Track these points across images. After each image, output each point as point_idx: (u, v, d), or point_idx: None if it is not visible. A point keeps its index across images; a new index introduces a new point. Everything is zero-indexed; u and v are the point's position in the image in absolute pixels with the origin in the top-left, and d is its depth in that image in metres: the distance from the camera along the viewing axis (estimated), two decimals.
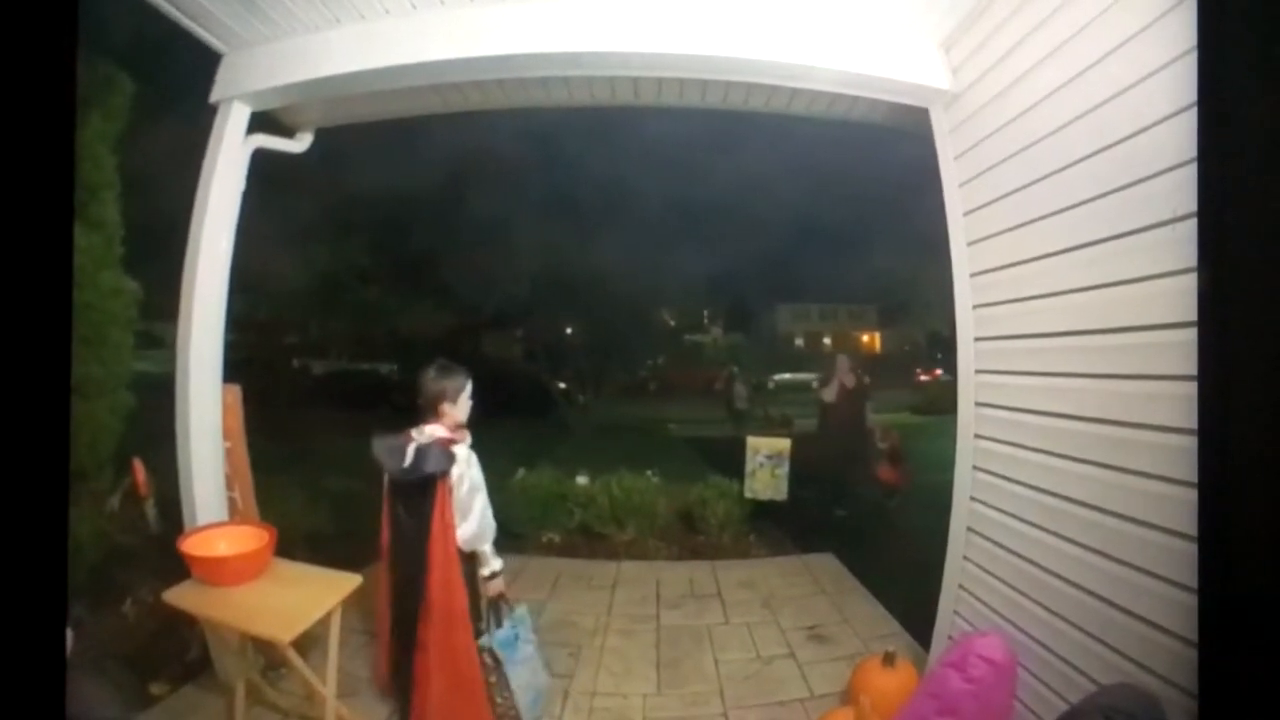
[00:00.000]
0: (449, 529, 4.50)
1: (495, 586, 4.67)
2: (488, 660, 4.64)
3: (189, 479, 5.11)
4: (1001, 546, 4.56)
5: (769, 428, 9.46)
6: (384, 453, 4.60)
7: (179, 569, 4.44)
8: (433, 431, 4.65)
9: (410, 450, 4.53)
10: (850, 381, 10.25)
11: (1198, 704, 3.28)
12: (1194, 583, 3.27)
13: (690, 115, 6.02)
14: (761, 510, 7.77)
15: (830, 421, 10.32)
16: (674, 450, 9.01)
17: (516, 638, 4.77)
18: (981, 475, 4.81)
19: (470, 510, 4.56)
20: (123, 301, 5.43)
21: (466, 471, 4.57)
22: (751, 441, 7.82)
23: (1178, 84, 3.29)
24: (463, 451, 4.59)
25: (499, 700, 4.65)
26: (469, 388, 4.84)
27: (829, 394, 10.37)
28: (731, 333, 10.24)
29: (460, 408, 4.78)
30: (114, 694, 4.56)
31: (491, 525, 4.64)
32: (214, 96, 5.33)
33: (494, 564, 4.64)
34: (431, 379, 4.75)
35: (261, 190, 5.46)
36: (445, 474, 4.51)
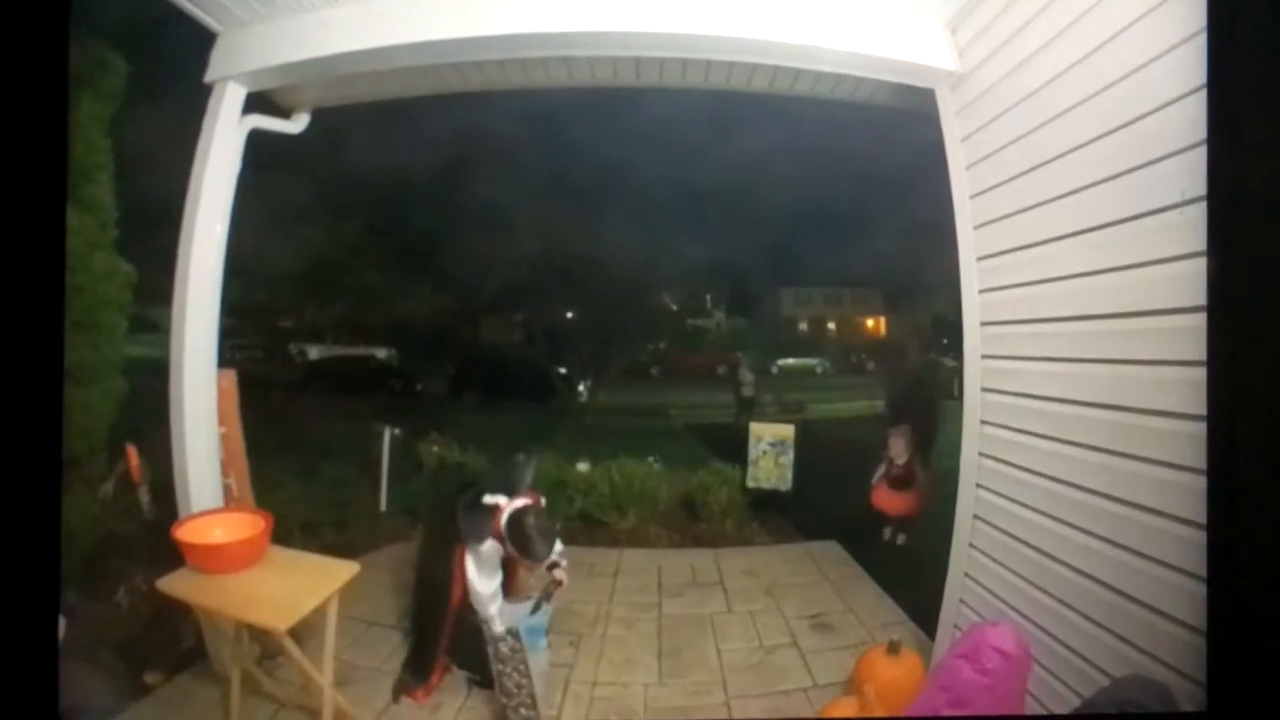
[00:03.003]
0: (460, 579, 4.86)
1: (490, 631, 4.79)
2: (504, 649, 4.64)
3: (183, 465, 5.08)
4: (1007, 534, 4.54)
5: (783, 413, 9.19)
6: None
7: (173, 556, 4.41)
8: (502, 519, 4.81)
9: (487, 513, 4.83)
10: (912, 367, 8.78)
11: (1206, 692, 3.26)
12: (1202, 570, 3.26)
13: (692, 96, 5.98)
14: (764, 497, 7.73)
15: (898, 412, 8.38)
16: (676, 436, 8.96)
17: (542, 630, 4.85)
18: (987, 462, 4.78)
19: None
20: (116, 284, 5.40)
21: (471, 566, 4.81)
22: (754, 428, 7.77)
23: (1187, 65, 3.27)
24: (479, 554, 4.80)
25: (514, 687, 4.64)
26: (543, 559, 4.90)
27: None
28: (734, 317, 10.16)
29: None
30: (107, 683, 4.55)
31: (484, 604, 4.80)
32: (209, 77, 5.29)
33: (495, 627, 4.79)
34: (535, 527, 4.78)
35: (257, 172, 5.42)
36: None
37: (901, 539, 7.30)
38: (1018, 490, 4.47)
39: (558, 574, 4.88)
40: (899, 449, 7.39)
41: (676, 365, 10.03)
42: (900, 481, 7.44)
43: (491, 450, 5.75)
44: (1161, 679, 3.36)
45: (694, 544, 7.38)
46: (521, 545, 4.65)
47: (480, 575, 4.77)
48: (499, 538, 4.72)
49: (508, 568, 4.88)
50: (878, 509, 7.42)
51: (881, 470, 7.49)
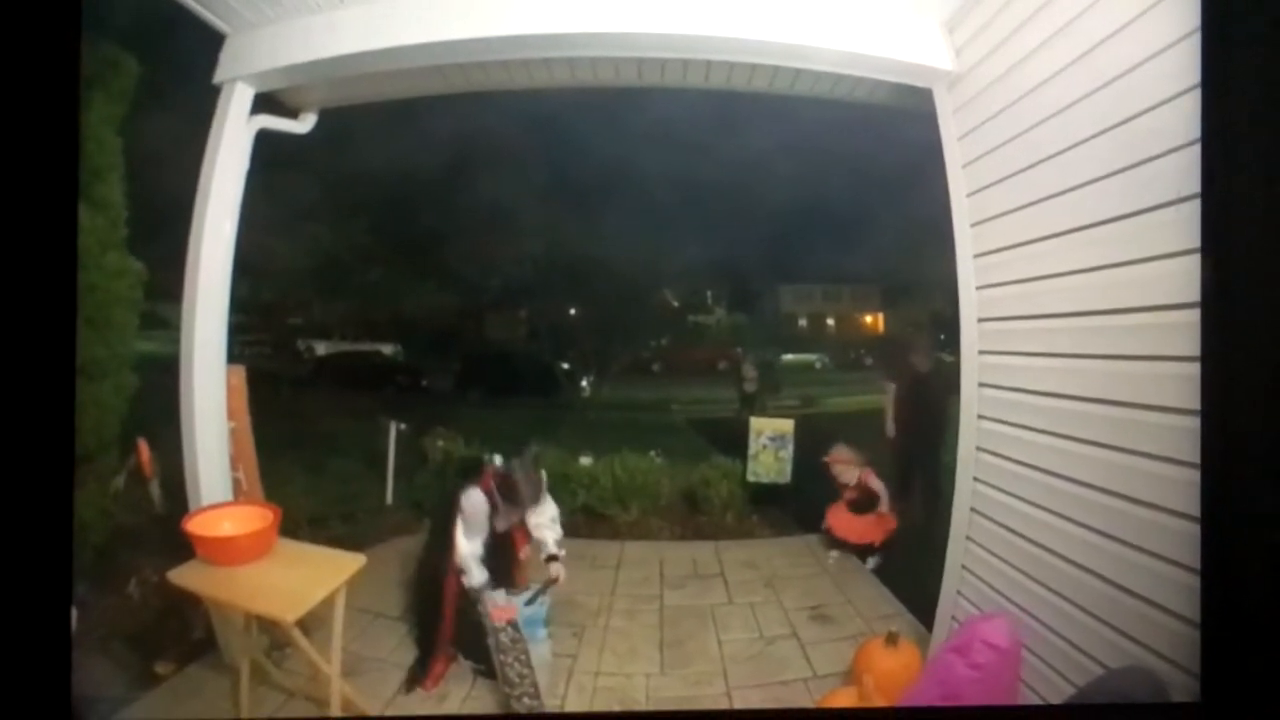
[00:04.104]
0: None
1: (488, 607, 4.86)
2: (505, 639, 4.69)
3: (193, 459, 5.14)
4: (1004, 527, 4.57)
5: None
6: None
7: (184, 549, 4.49)
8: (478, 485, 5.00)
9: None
10: (925, 364, 7.39)
11: (1199, 683, 3.30)
12: (1197, 563, 3.28)
13: (693, 96, 6.01)
14: (764, 491, 7.72)
15: (901, 411, 7.40)
16: (677, 431, 8.96)
17: (540, 621, 4.89)
18: (985, 456, 4.81)
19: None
20: (127, 282, 5.42)
21: (460, 528, 4.97)
22: (755, 422, 7.74)
23: (1182, 65, 3.31)
24: (467, 499, 4.96)
25: (516, 677, 4.68)
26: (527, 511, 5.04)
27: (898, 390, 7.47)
28: (735, 313, 10.12)
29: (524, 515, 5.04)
30: (119, 673, 4.59)
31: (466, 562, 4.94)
32: (217, 77, 5.34)
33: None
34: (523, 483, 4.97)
35: (265, 171, 5.46)
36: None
37: (872, 563, 6.71)
38: (1015, 484, 4.50)
39: (554, 568, 4.94)
40: (844, 474, 6.88)
41: (678, 361, 10.00)
42: (859, 505, 6.85)
43: (496, 445, 5.76)
44: (1156, 670, 3.40)
45: (695, 537, 7.39)
46: (507, 492, 4.75)
47: (465, 535, 4.91)
48: (487, 491, 4.88)
49: (507, 550, 4.94)
50: (834, 535, 6.91)
51: (844, 488, 6.93)
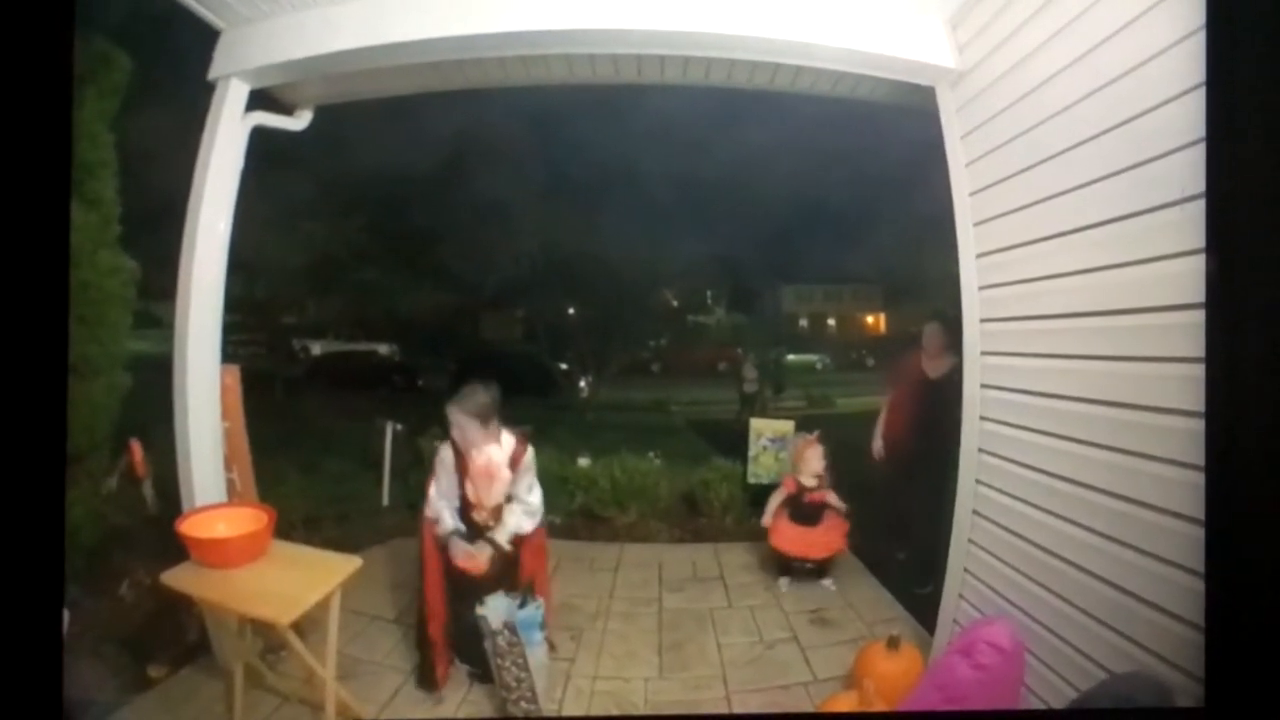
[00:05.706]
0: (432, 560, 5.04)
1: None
2: (501, 642, 4.65)
3: (187, 460, 5.10)
4: (1007, 530, 4.54)
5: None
6: None
7: (177, 551, 4.45)
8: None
9: None
10: (937, 369, 6.43)
11: (1204, 688, 3.27)
12: (1201, 567, 3.25)
13: (693, 93, 5.98)
14: (765, 492, 7.69)
15: (895, 427, 6.77)
16: (677, 432, 8.95)
17: (536, 625, 4.82)
18: (987, 458, 4.78)
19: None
20: (120, 280, 5.40)
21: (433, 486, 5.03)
22: (755, 424, 7.71)
23: (1187, 63, 3.28)
24: (438, 454, 5.04)
25: (513, 681, 4.65)
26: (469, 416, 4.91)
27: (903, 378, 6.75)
28: (735, 313, 10.10)
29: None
30: (111, 676, 4.56)
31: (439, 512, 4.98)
32: (212, 74, 5.30)
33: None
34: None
35: (260, 168, 5.44)
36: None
37: (830, 584, 6.30)
38: (1017, 486, 4.48)
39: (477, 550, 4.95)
40: (813, 462, 6.39)
41: (677, 361, 9.98)
42: (807, 512, 6.37)
43: None
44: (1160, 675, 3.37)
45: (695, 539, 7.38)
46: (458, 398, 4.83)
47: (438, 491, 4.97)
48: (453, 439, 4.90)
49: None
50: (780, 552, 6.40)
51: (779, 497, 6.46)
